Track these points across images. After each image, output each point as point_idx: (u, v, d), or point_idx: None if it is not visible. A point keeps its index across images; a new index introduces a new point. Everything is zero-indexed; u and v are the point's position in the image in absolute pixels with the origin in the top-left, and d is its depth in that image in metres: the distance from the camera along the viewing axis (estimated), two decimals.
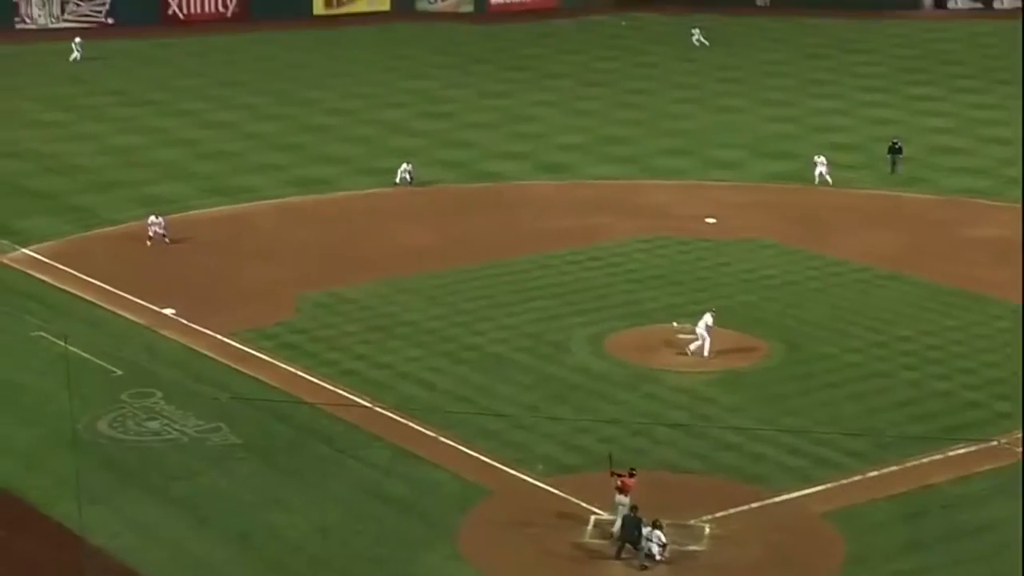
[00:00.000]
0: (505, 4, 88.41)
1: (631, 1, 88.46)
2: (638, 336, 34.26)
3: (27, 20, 75.92)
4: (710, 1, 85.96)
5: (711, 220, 43.79)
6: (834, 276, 38.82)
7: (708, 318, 32.85)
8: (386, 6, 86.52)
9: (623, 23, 77.79)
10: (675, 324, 34.16)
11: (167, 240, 40.37)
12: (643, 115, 59.53)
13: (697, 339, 32.73)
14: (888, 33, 79.01)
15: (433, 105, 61.03)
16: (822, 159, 48.04)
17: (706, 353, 32.62)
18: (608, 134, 55.80)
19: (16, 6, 75.41)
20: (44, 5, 76.05)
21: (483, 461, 27.82)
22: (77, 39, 68.72)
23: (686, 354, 32.64)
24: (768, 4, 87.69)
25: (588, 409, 30.01)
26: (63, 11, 77.05)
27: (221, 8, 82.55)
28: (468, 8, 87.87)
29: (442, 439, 28.61)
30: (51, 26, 76.16)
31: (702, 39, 75.46)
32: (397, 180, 47.32)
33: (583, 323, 35.08)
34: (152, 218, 40.77)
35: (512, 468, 27.47)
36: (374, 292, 36.85)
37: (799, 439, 28.38)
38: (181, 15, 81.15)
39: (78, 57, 67.40)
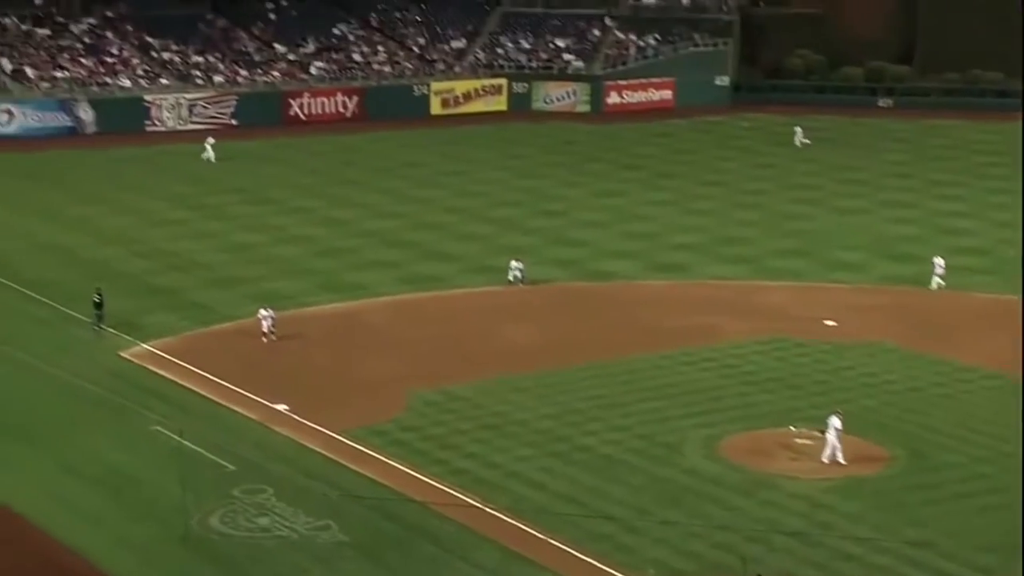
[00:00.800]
0: (621, 104, 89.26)
1: (748, 101, 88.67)
2: (753, 440, 33.43)
3: (157, 123, 78.49)
4: (830, 102, 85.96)
5: (830, 322, 42.86)
6: (962, 383, 37.59)
7: (835, 421, 31.97)
8: (503, 106, 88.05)
9: (744, 124, 77.79)
10: (792, 428, 33.39)
11: (274, 335, 40.72)
12: (760, 215, 59.05)
13: (826, 446, 31.84)
14: (1015, 134, 77.62)
15: (546, 203, 61.36)
16: (940, 261, 47.06)
17: (840, 458, 31.67)
18: (724, 234, 55.34)
19: (148, 110, 77.81)
20: (174, 108, 78.45)
21: (593, 565, 27.25)
22: (210, 139, 70.61)
23: (820, 461, 31.75)
24: (891, 105, 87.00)
25: (701, 514, 29.33)
26: (191, 113, 79.48)
27: (341, 109, 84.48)
28: (584, 108, 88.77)
29: (552, 541, 28.07)
30: (179, 128, 78.62)
31: (804, 139, 75.01)
32: (509, 278, 47.40)
33: (696, 425, 34.35)
34: (262, 311, 41.25)
35: (622, 572, 26.87)
36: (485, 390, 36.56)
37: (924, 551, 27.45)
38: (302, 116, 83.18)
39: (211, 157, 69.01)
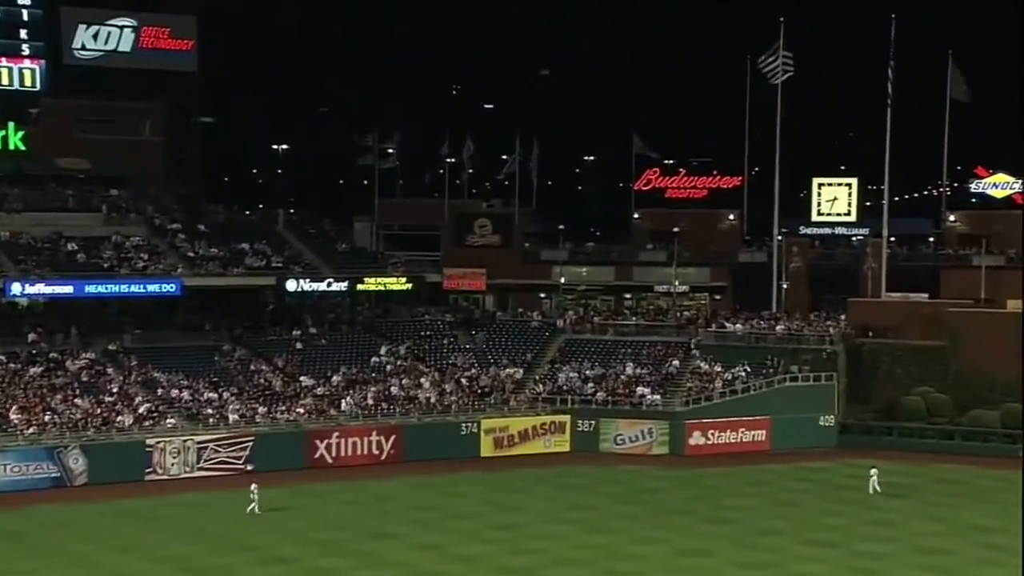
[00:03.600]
0: (706, 445, 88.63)
1: (858, 445, 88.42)
2: None
3: (159, 470, 77.96)
4: (960, 449, 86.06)
5: None
6: None
7: None
8: (565, 446, 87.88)
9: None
10: None
11: None
12: None
13: None
14: None
15: (619, 563, 59.80)
16: None
17: None
18: None
19: (149, 455, 77.59)
20: (179, 453, 78.26)
21: None
22: (254, 486, 69.69)
23: None
24: None
25: None
26: (199, 458, 79.35)
27: (375, 450, 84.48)
28: (662, 450, 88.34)
29: None
30: (183, 475, 78.38)
31: (876, 485, 74.58)
32: None
33: None
34: None
35: None
36: None
37: None
38: (329, 459, 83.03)
39: (256, 508, 68.40)
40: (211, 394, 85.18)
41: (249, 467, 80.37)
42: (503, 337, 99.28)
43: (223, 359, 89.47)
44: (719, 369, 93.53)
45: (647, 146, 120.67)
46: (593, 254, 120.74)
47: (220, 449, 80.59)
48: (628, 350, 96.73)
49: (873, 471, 75.80)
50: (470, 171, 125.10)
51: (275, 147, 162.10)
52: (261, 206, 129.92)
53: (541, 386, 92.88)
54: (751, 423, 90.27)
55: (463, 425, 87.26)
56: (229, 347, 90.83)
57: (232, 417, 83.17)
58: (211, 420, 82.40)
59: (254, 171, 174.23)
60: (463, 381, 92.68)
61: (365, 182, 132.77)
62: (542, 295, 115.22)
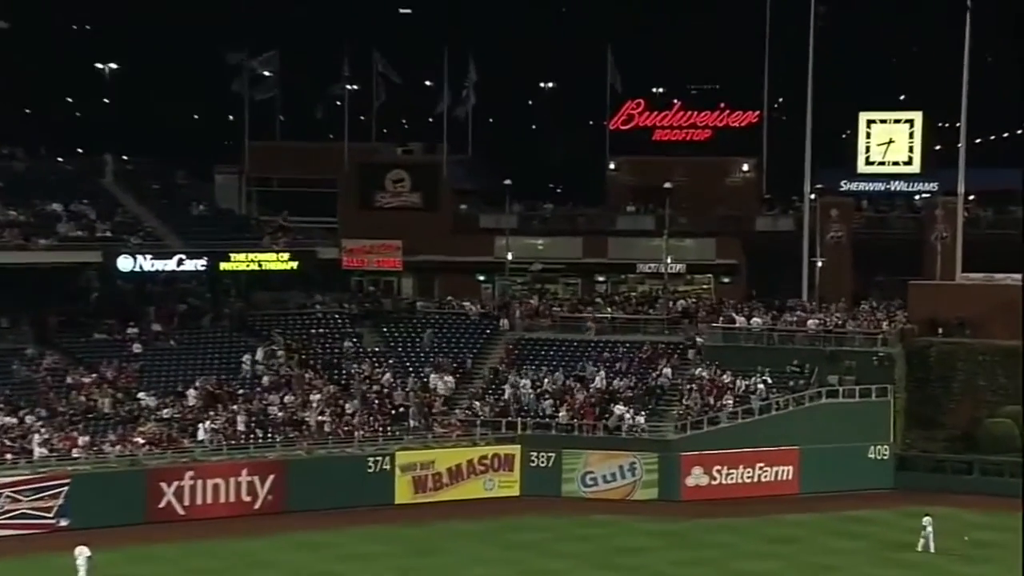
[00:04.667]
0: (710, 486, 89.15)
1: (923, 486, 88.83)
2: None
3: None
4: None
5: None
6: None
7: None
8: (514, 489, 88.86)
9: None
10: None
11: None
12: None
13: None
14: None
15: None
16: None
17: None
18: None
19: None
20: None
21: None
22: (82, 551, 69.31)
23: None
24: None
25: None
26: None
27: (246, 497, 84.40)
28: (649, 493, 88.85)
29: None
30: None
31: (932, 542, 75.81)
32: None
33: None
34: None
35: None
36: None
37: None
38: (180, 509, 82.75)
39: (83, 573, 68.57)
40: (7, 418, 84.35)
41: (63, 522, 79.50)
42: (426, 336, 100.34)
43: (25, 368, 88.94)
44: (728, 380, 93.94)
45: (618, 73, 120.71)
46: (552, 220, 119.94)
47: (21, 497, 79.73)
48: (602, 353, 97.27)
49: (927, 520, 76.26)
50: (380, 102, 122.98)
51: (101, 66, 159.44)
52: (81, 150, 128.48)
53: (480, 404, 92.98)
54: (773, 456, 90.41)
55: (370, 460, 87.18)
56: (34, 351, 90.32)
57: (39, 451, 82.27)
58: (7, 456, 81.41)
59: (69, 100, 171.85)
60: (370, 398, 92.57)
61: (231, 117, 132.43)
62: (481, 278, 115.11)
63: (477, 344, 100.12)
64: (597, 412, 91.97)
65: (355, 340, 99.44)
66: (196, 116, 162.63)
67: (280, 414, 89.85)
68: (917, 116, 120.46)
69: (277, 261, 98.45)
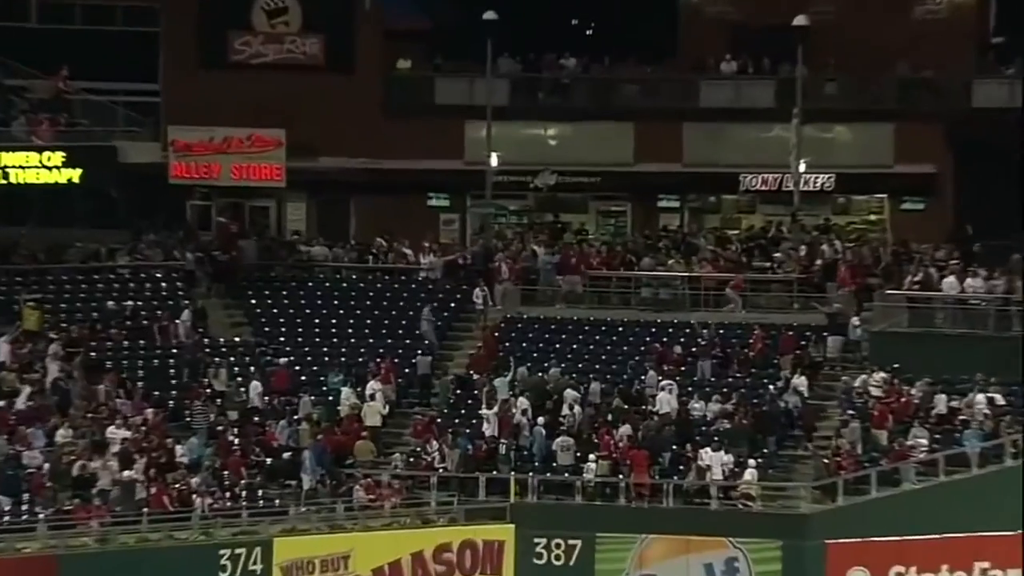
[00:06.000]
0: None
1: None
2: None
3: None
4: None
5: None
6: None
7: None
8: None
9: None
10: None
11: None
12: None
13: None
14: None
15: None
16: None
17: None
18: None
19: None
20: None
21: None
22: None
23: None
24: None
25: None
26: None
27: None
28: None
29: None
30: None
31: None
32: None
33: None
34: None
35: None
36: None
37: None
38: None
39: None
40: None
41: None
42: (343, 311, 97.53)
43: None
44: (917, 397, 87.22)
45: None
46: (576, 91, 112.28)
47: None
48: (670, 348, 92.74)
49: None
50: None
51: None
52: None
53: (438, 444, 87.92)
54: (1001, 545, 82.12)
55: (224, 553, 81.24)
56: None
57: None
58: None
59: None
60: (225, 432, 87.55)
61: None
62: (441, 203, 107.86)
63: (436, 329, 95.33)
64: (662, 461, 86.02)
65: (194, 321, 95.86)
66: None
67: (46, 465, 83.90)
68: None
69: (41, 168, 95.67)
